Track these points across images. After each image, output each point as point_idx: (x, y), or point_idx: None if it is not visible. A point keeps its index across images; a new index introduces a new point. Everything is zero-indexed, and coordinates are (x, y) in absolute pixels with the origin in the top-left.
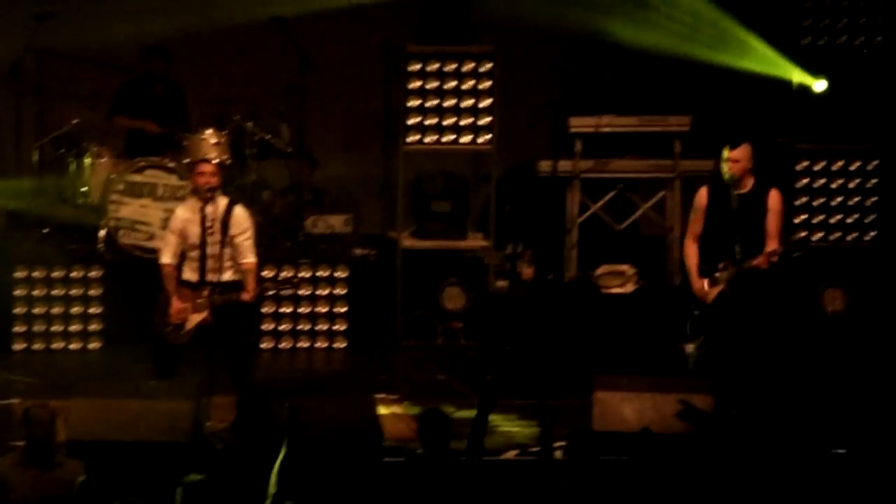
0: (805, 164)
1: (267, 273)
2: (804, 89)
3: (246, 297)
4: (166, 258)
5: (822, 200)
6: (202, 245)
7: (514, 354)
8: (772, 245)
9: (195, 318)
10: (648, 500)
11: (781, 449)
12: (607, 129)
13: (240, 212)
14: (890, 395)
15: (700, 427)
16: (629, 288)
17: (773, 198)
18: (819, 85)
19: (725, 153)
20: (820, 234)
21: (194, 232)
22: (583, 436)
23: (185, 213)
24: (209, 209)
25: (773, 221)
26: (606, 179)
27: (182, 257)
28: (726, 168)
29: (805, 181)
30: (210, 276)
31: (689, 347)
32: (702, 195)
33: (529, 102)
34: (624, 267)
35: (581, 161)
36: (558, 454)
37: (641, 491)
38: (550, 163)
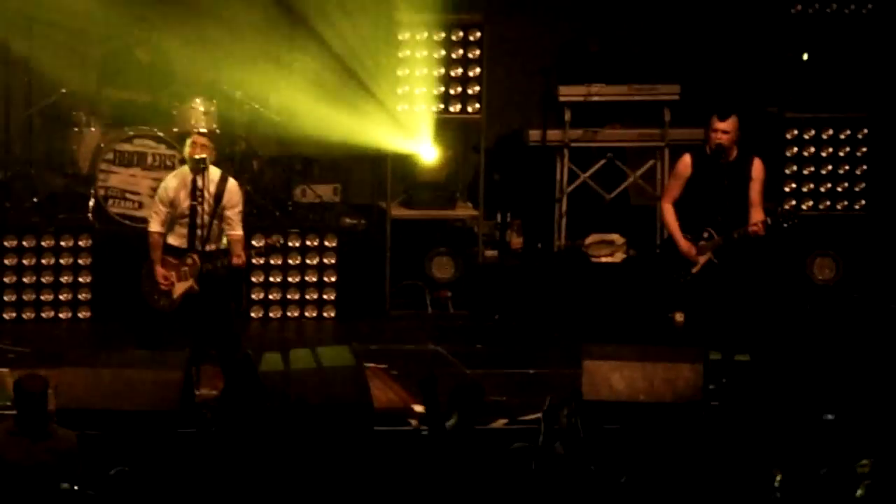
0: (794, 132)
1: (255, 243)
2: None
3: (236, 260)
4: (154, 226)
5: (811, 169)
6: (192, 215)
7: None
8: (756, 214)
9: (181, 287)
10: (639, 468)
11: (771, 415)
12: (596, 98)
13: (233, 185)
14: (878, 363)
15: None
16: (618, 257)
17: (757, 167)
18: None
19: (714, 123)
20: (809, 203)
21: (184, 201)
22: (572, 404)
23: (174, 183)
24: (200, 180)
25: (756, 190)
26: (596, 148)
27: (170, 225)
28: (714, 137)
29: (795, 150)
30: (197, 245)
31: (679, 316)
32: (685, 163)
33: (518, 71)
34: (613, 236)
35: (570, 130)
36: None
37: (632, 459)
38: (539, 132)
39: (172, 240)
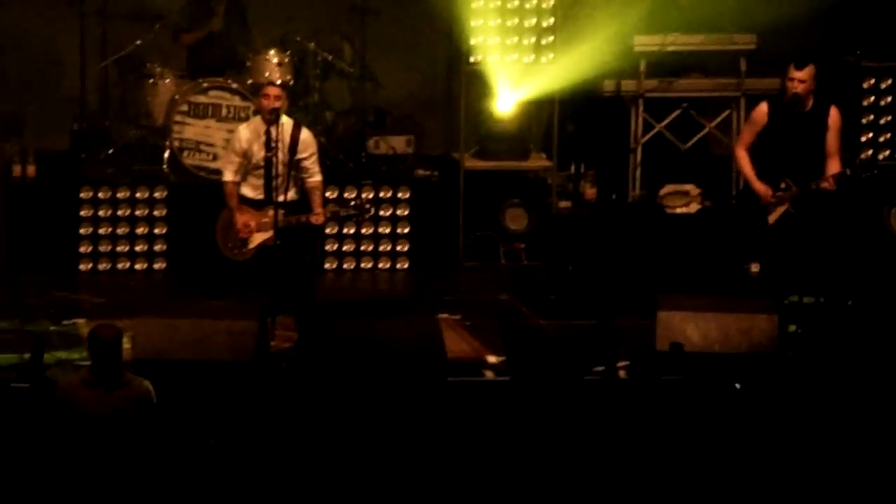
0: (871, 81)
1: (329, 194)
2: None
3: (315, 219)
4: (228, 176)
5: (888, 118)
6: (267, 165)
7: (577, 275)
8: (833, 164)
9: (259, 237)
10: (709, 420)
11: (847, 366)
12: (672, 48)
13: (306, 135)
14: None
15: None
16: (693, 208)
17: (834, 115)
18: None
19: (790, 72)
20: (886, 153)
21: (258, 152)
22: (646, 355)
23: (248, 133)
24: (273, 130)
25: (833, 139)
26: (671, 99)
27: (244, 176)
28: (791, 87)
29: (871, 99)
30: (273, 197)
31: (754, 267)
32: (762, 111)
33: (592, 21)
34: (688, 187)
35: (645, 80)
36: (621, 373)
37: (701, 410)
38: (614, 82)
39: (247, 191)
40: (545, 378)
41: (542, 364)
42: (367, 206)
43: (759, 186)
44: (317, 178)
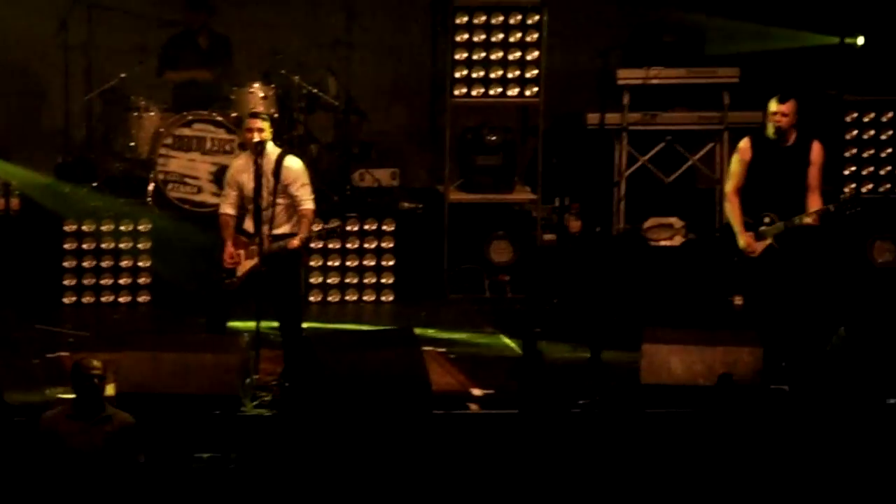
0: (854, 115)
1: (314, 226)
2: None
3: (293, 242)
4: (223, 208)
5: (871, 152)
6: (256, 196)
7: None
8: (814, 198)
9: (246, 265)
10: (695, 453)
11: (832, 400)
12: (655, 81)
13: (290, 161)
14: None
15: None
16: (677, 240)
17: (816, 150)
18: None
19: (773, 106)
20: (869, 186)
21: (248, 184)
22: (630, 388)
23: (238, 166)
24: (261, 161)
25: (815, 174)
26: (654, 132)
27: (243, 208)
28: (773, 121)
29: (854, 133)
30: (265, 228)
31: (738, 300)
32: (745, 148)
33: (576, 55)
34: (672, 219)
35: (629, 113)
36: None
37: (688, 443)
38: (598, 115)
39: (247, 224)
40: (534, 410)
41: (532, 396)
42: (337, 228)
43: (743, 239)
44: (304, 207)
